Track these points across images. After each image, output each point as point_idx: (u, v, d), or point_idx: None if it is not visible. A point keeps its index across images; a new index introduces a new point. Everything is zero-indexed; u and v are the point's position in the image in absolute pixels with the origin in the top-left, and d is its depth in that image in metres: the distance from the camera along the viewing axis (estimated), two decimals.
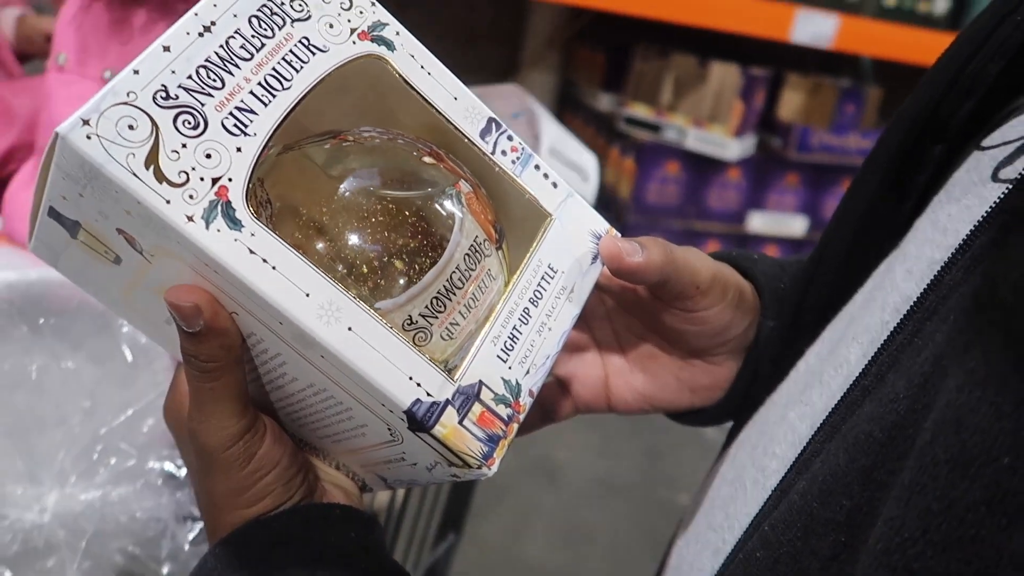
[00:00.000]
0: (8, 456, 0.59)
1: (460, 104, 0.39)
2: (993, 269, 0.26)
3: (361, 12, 0.38)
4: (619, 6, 1.69)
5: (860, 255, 0.39)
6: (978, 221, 0.29)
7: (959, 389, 0.23)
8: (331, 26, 0.37)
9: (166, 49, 0.33)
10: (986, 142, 0.34)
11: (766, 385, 0.43)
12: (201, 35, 0.34)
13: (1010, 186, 0.29)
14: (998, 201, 0.29)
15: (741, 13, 1.77)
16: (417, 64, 0.38)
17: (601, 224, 0.42)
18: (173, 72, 0.33)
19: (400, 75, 0.38)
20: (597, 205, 0.44)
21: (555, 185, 0.41)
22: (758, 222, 2.08)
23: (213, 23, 0.34)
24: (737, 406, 0.46)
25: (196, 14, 0.34)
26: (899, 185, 0.38)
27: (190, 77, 0.33)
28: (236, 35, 0.35)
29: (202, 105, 0.33)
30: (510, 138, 0.40)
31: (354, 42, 0.37)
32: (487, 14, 1.96)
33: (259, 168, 0.34)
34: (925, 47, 1.85)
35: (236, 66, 0.34)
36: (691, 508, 0.45)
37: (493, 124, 0.40)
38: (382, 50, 0.38)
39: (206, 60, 0.34)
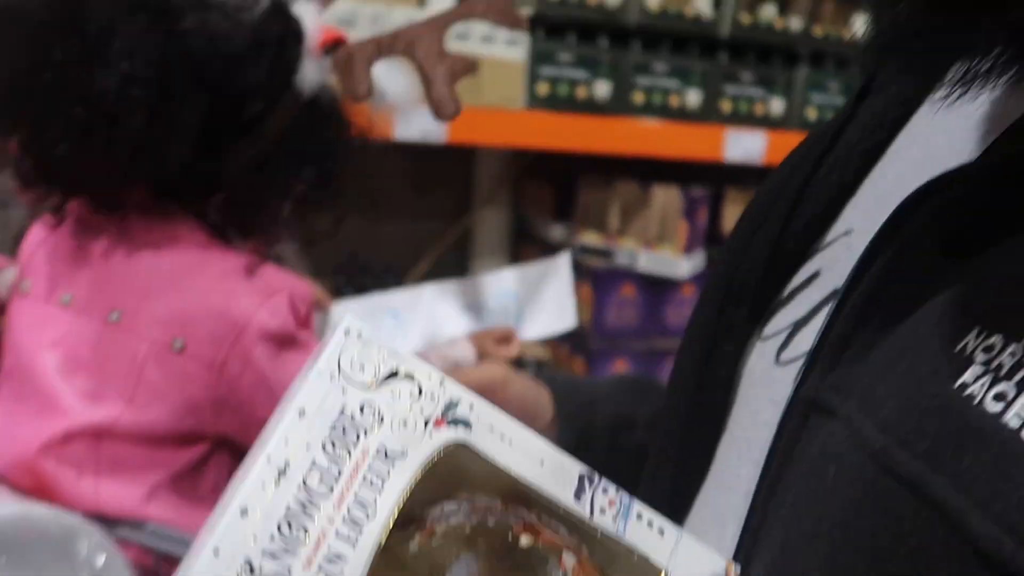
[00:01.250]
0: None
1: (547, 468, 0.35)
2: (801, 454, 0.33)
3: (433, 396, 0.33)
4: (562, 144, 1.80)
5: (700, 404, 0.43)
6: (783, 412, 0.35)
7: None
8: (405, 424, 0.33)
9: (244, 513, 0.28)
10: (765, 333, 0.41)
11: None
12: (277, 483, 0.29)
13: (799, 375, 0.35)
14: (793, 393, 0.35)
15: (676, 139, 1.89)
16: (496, 435, 0.35)
17: (718, 563, 0.37)
18: (255, 539, 0.28)
19: (484, 455, 0.34)
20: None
21: (662, 532, 0.36)
22: None
23: (287, 463, 0.30)
24: None
25: (269, 459, 0.29)
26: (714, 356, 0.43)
27: (272, 538, 0.28)
28: (313, 468, 0.30)
29: (289, 570, 0.28)
30: (605, 490, 0.36)
31: (431, 435, 0.33)
32: (436, 162, 2.07)
33: None
34: None
35: (316, 507, 0.29)
36: None
37: (585, 481, 0.36)
38: (460, 432, 0.34)
39: (287, 510, 0.29)
